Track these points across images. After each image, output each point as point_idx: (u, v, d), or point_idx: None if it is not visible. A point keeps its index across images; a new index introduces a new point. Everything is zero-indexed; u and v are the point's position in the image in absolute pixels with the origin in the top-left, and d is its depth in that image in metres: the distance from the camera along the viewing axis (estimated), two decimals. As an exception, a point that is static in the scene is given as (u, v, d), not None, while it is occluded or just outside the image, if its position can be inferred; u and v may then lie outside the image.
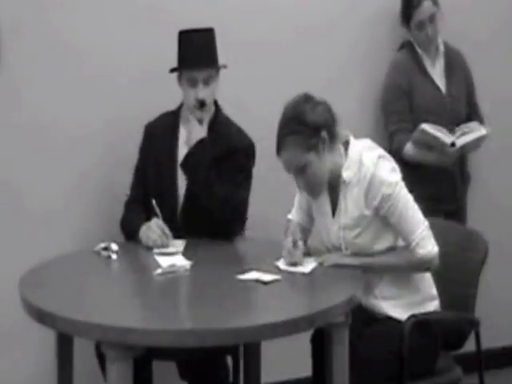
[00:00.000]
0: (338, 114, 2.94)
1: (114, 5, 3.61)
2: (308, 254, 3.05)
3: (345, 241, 2.98)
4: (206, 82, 3.29)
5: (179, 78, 3.37)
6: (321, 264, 2.96)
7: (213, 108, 3.40)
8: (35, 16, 3.49)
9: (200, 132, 3.31)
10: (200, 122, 3.32)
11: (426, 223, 2.91)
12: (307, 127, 2.86)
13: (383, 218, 2.91)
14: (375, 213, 2.91)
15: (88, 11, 3.57)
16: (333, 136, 2.91)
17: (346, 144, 2.98)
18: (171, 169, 3.35)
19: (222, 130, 3.36)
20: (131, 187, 3.44)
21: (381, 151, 2.97)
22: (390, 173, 2.90)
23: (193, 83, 3.28)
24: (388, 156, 2.97)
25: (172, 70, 3.37)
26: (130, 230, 3.30)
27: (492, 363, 3.82)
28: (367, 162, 2.90)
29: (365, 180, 2.89)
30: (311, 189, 2.98)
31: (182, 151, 3.33)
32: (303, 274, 2.89)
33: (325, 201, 3.04)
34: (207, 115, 3.35)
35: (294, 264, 2.92)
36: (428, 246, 2.89)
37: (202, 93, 3.28)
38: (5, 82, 3.46)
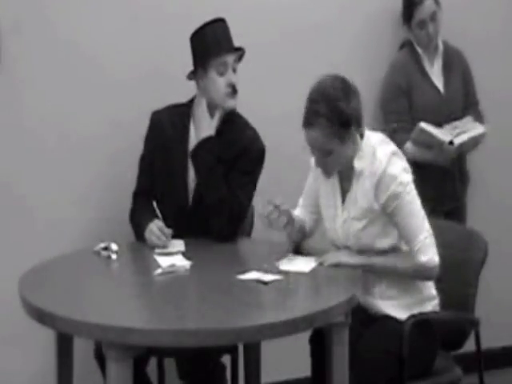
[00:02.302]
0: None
1: (115, 4, 3.61)
2: (308, 253, 3.06)
3: (350, 232, 2.98)
4: (235, 68, 3.31)
5: (200, 74, 3.32)
6: (321, 264, 2.96)
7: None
8: (35, 16, 3.48)
9: (208, 129, 3.30)
10: (229, 112, 3.32)
11: (431, 232, 2.91)
12: (339, 118, 2.84)
13: (389, 215, 2.91)
14: (383, 208, 2.91)
15: (88, 11, 3.57)
16: (360, 130, 2.92)
17: (361, 135, 2.98)
18: (182, 163, 3.33)
19: (236, 131, 3.34)
20: (138, 177, 3.42)
21: (394, 148, 2.98)
22: (401, 171, 2.90)
23: (224, 69, 3.27)
24: (401, 154, 2.98)
25: (191, 76, 3.34)
26: (137, 231, 3.29)
27: (492, 363, 3.82)
28: (380, 156, 2.90)
29: (376, 174, 2.89)
30: (327, 170, 2.98)
31: (193, 146, 3.32)
32: (303, 274, 2.89)
33: (335, 189, 3.04)
34: (235, 105, 3.34)
35: (272, 226, 2.93)
36: (430, 253, 2.88)
37: (234, 77, 3.29)
38: (5, 82, 3.46)
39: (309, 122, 2.87)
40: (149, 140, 3.40)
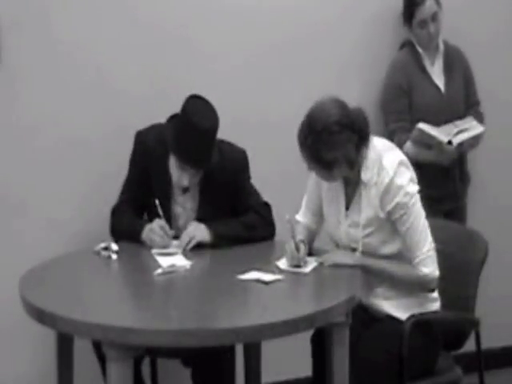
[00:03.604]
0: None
1: (115, 5, 3.61)
2: (310, 253, 3.05)
3: (355, 238, 2.98)
4: (195, 174, 3.22)
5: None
6: (321, 264, 2.96)
7: None
8: (35, 15, 3.48)
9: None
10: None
11: (433, 245, 2.91)
12: (333, 159, 2.86)
13: (394, 223, 2.92)
14: (388, 217, 2.91)
15: (88, 11, 3.56)
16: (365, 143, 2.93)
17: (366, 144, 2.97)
18: (165, 193, 3.30)
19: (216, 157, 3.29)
20: (122, 193, 3.38)
21: (401, 156, 2.97)
22: (408, 182, 2.89)
23: (181, 169, 3.20)
24: (408, 163, 2.96)
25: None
26: (129, 234, 3.25)
27: (492, 363, 3.82)
28: (387, 165, 2.89)
29: (383, 183, 2.89)
30: (329, 180, 3.00)
31: (175, 174, 3.28)
32: (303, 274, 2.89)
33: (339, 195, 3.03)
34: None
35: (296, 266, 2.92)
36: (431, 266, 2.89)
37: (187, 181, 3.21)
38: (5, 82, 3.46)
39: (304, 157, 2.90)
40: (133, 161, 3.37)
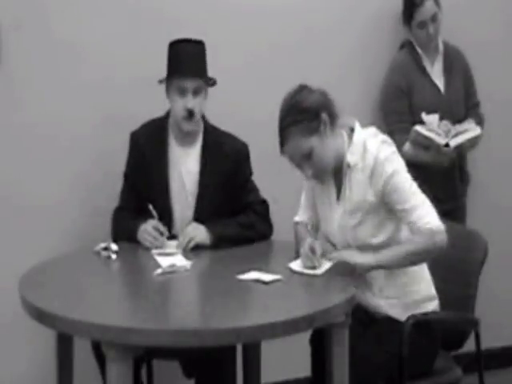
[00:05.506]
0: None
1: (115, 5, 3.61)
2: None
3: (346, 228, 2.98)
4: (196, 92, 3.25)
5: (168, 89, 3.32)
6: (330, 259, 2.93)
7: (201, 125, 3.36)
8: (35, 16, 3.49)
9: (192, 165, 3.31)
10: (188, 134, 3.30)
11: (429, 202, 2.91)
12: (306, 113, 2.87)
13: (386, 203, 2.91)
14: (379, 198, 2.91)
15: (88, 11, 3.57)
16: (333, 117, 2.92)
17: (351, 130, 2.99)
18: (163, 192, 3.31)
19: (217, 149, 3.32)
20: (121, 195, 3.40)
21: (384, 137, 3.00)
22: (392, 154, 2.92)
23: (182, 92, 3.24)
24: (391, 142, 3.00)
25: (161, 81, 3.33)
26: (128, 236, 3.26)
27: (492, 363, 3.83)
28: (371, 148, 2.92)
29: (369, 164, 2.90)
30: (319, 174, 2.98)
31: (173, 173, 3.31)
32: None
33: (330, 186, 3.04)
34: (195, 128, 3.31)
35: (312, 268, 2.90)
36: (435, 219, 2.86)
37: (191, 102, 3.24)
38: (4, 82, 3.47)
39: (282, 139, 2.90)
40: (130, 161, 3.39)
